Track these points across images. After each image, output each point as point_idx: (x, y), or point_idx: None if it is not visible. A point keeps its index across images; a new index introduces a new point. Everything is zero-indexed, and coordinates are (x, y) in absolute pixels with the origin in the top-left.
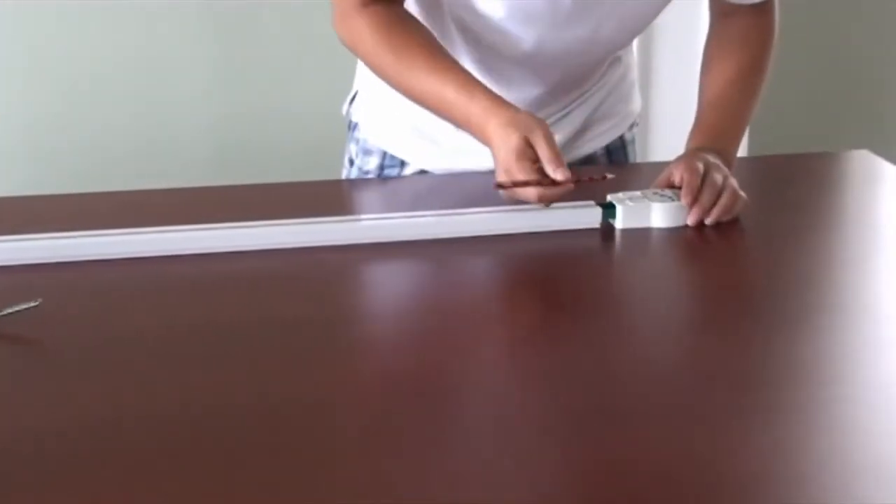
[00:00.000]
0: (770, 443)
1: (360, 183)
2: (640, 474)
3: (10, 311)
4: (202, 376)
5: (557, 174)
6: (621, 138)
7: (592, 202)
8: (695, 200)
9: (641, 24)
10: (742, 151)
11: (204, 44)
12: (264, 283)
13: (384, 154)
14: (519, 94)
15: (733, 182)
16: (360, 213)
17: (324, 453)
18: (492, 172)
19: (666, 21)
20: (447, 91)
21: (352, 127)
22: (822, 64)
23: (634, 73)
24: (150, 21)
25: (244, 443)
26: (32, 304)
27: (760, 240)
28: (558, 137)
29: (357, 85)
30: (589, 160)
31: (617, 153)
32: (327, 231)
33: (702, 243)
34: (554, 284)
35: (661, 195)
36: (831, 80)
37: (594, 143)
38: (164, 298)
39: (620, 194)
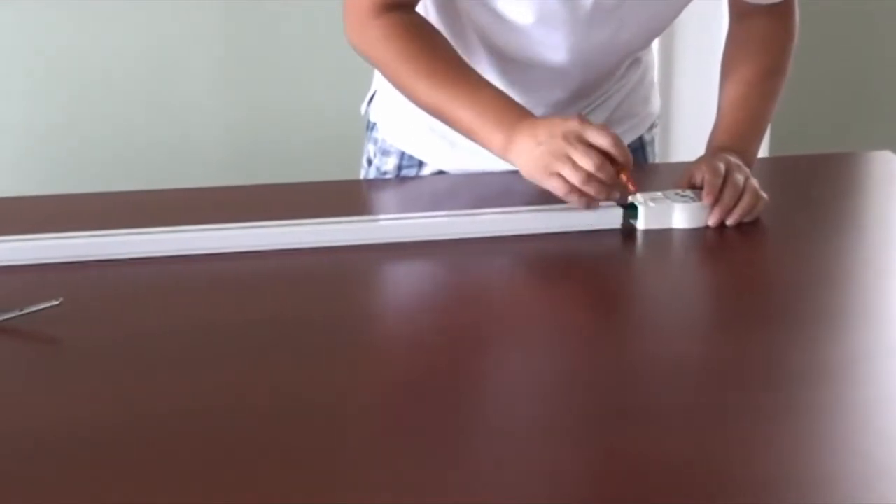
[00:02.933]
0: (791, 444)
1: (377, 183)
2: (659, 474)
3: (31, 309)
4: (220, 375)
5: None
6: (640, 139)
7: (614, 203)
8: (716, 201)
9: (660, 26)
10: (763, 151)
11: (218, 43)
12: (283, 283)
13: (402, 154)
14: (538, 99)
15: (754, 182)
16: (377, 213)
17: (340, 453)
18: (510, 172)
19: (686, 21)
20: (481, 95)
21: (370, 127)
22: (844, 64)
23: (654, 74)
24: (163, 20)
25: (261, 442)
26: (53, 303)
27: (782, 240)
28: None
29: (375, 85)
30: None
31: (636, 154)
32: (345, 231)
33: (723, 244)
34: (575, 285)
35: (683, 196)
36: (853, 80)
37: None
38: (183, 298)
39: (641, 195)
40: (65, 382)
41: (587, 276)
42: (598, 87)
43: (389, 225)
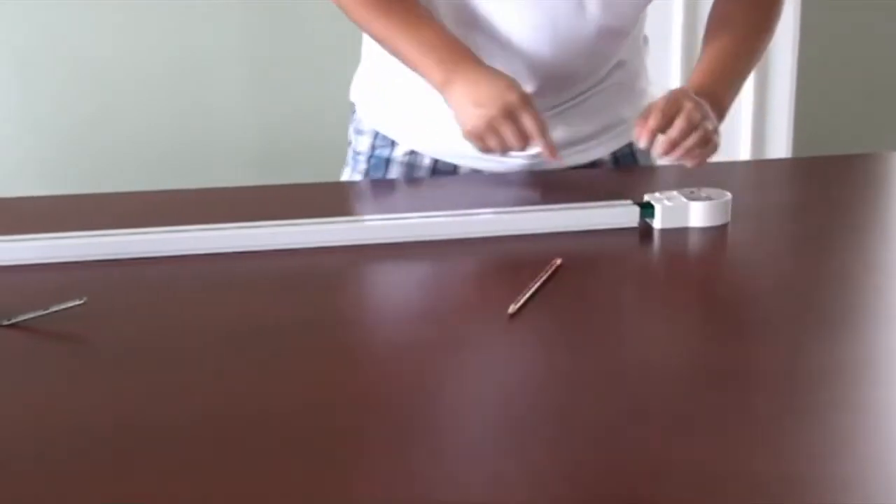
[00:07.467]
0: (813, 444)
1: (384, 183)
2: (681, 475)
3: (56, 308)
4: (241, 374)
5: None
6: (630, 146)
7: (630, 201)
8: (660, 131)
9: (629, 7)
10: (786, 152)
11: (243, 48)
12: (304, 282)
13: (376, 134)
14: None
15: (710, 125)
16: (384, 213)
17: (354, 452)
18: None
19: None
20: (427, 30)
21: (352, 109)
22: (866, 65)
23: (646, 82)
24: (188, 25)
25: (280, 440)
26: (78, 302)
27: (803, 240)
28: (552, 137)
29: (359, 69)
30: (594, 165)
31: (625, 160)
32: (362, 230)
33: (742, 243)
34: (591, 284)
35: (699, 195)
36: (877, 81)
37: (600, 149)
38: (206, 296)
39: (657, 194)
40: (89, 381)
41: (603, 275)
42: (574, 81)
43: (400, 224)
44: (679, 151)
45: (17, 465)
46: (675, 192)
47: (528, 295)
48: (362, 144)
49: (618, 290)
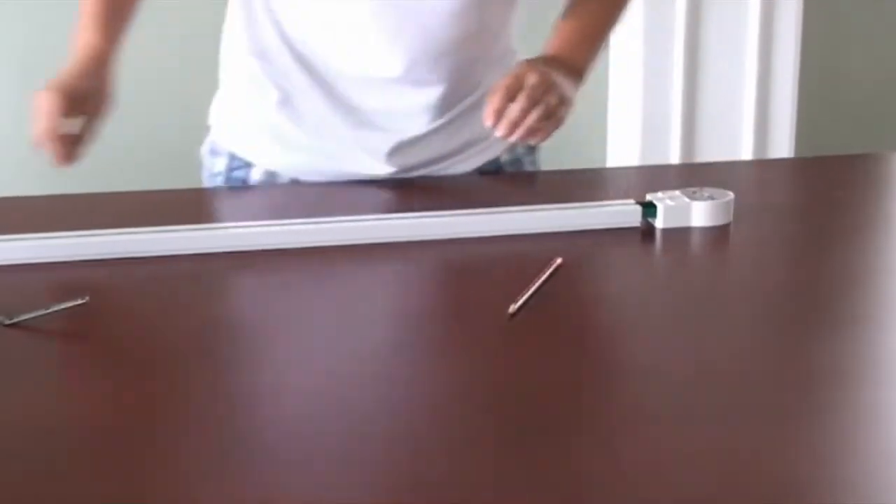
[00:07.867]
0: (815, 445)
1: (384, 183)
2: (686, 475)
3: (58, 308)
4: (244, 375)
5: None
6: (496, 160)
7: (632, 201)
8: (503, 108)
9: None
10: (789, 152)
11: None
12: (302, 282)
13: (231, 156)
14: (372, 65)
15: (554, 99)
16: (384, 212)
17: (360, 453)
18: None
19: (712, 25)
20: (90, 11)
21: (207, 132)
22: (869, 65)
23: None
24: (188, 21)
25: (280, 441)
26: (80, 301)
27: (805, 240)
28: (414, 160)
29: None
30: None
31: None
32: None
33: (744, 243)
34: (593, 283)
35: (701, 194)
36: (879, 81)
37: (464, 164)
38: (208, 296)
39: (660, 193)
40: (88, 381)
41: (604, 274)
42: (437, 62)
43: (401, 224)
44: (520, 131)
45: (17, 465)
46: (677, 192)
47: (528, 295)
48: (219, 165)
49: (619, 290)
